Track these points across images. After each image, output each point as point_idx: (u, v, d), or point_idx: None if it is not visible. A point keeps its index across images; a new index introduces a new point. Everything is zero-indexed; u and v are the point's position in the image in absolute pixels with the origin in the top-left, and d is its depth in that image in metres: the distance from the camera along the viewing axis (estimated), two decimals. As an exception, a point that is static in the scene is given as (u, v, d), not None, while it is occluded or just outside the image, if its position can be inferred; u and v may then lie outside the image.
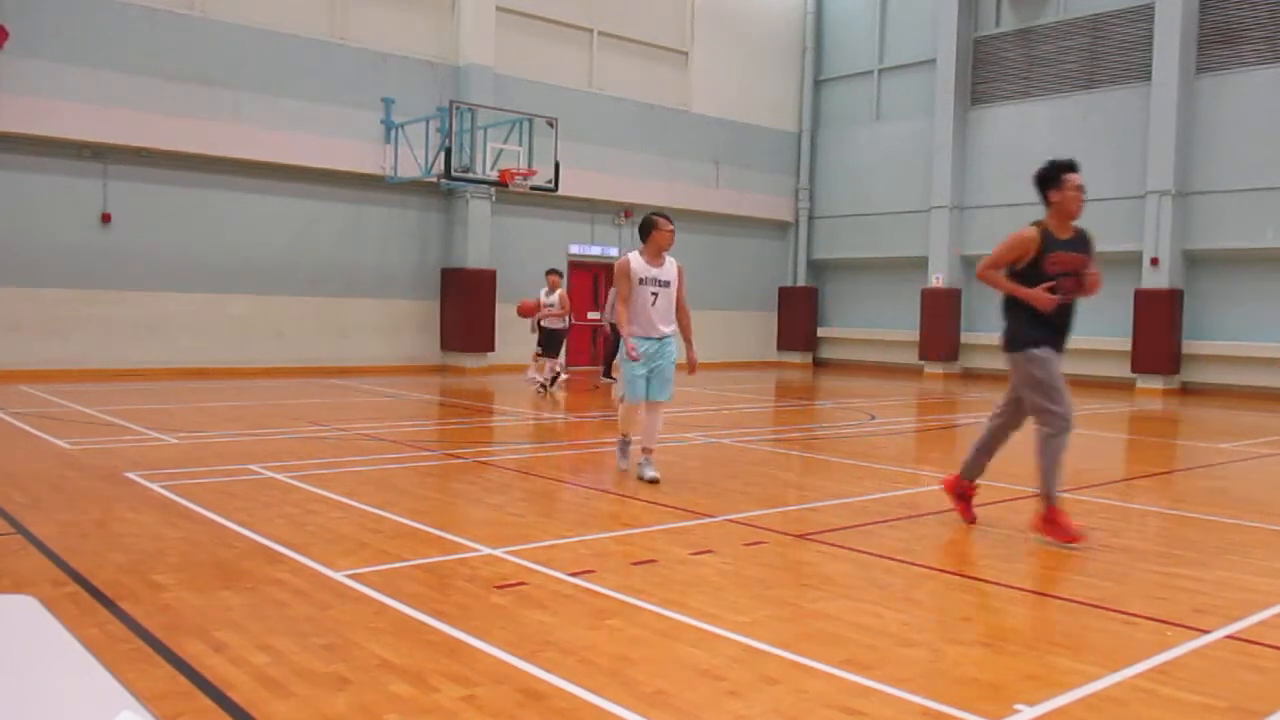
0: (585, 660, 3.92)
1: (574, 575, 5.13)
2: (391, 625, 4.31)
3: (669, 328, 8.09)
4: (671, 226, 7.97)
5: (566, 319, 16.43)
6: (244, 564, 5.26)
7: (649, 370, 7.95)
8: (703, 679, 3.75)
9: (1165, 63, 19.88)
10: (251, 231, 18.16)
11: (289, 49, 18.17)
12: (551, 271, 16.52)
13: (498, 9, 20.71)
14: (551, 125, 18.90)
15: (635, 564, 5.43)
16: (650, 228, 7.97)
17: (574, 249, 22.60)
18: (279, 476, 7.84)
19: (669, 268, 8.07)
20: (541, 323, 16.22)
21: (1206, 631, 4.45)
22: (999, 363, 22.77)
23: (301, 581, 4.94)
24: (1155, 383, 19.88)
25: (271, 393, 15.08)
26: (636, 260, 7.96)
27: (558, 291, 16.22)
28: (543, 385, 16.13)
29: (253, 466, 8.28)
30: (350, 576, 5.02)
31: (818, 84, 26.59)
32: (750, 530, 6.33)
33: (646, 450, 8.09)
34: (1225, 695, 3.69)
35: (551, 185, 19.06)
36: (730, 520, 6.61)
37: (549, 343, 16.24)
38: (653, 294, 7.96)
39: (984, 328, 23.11)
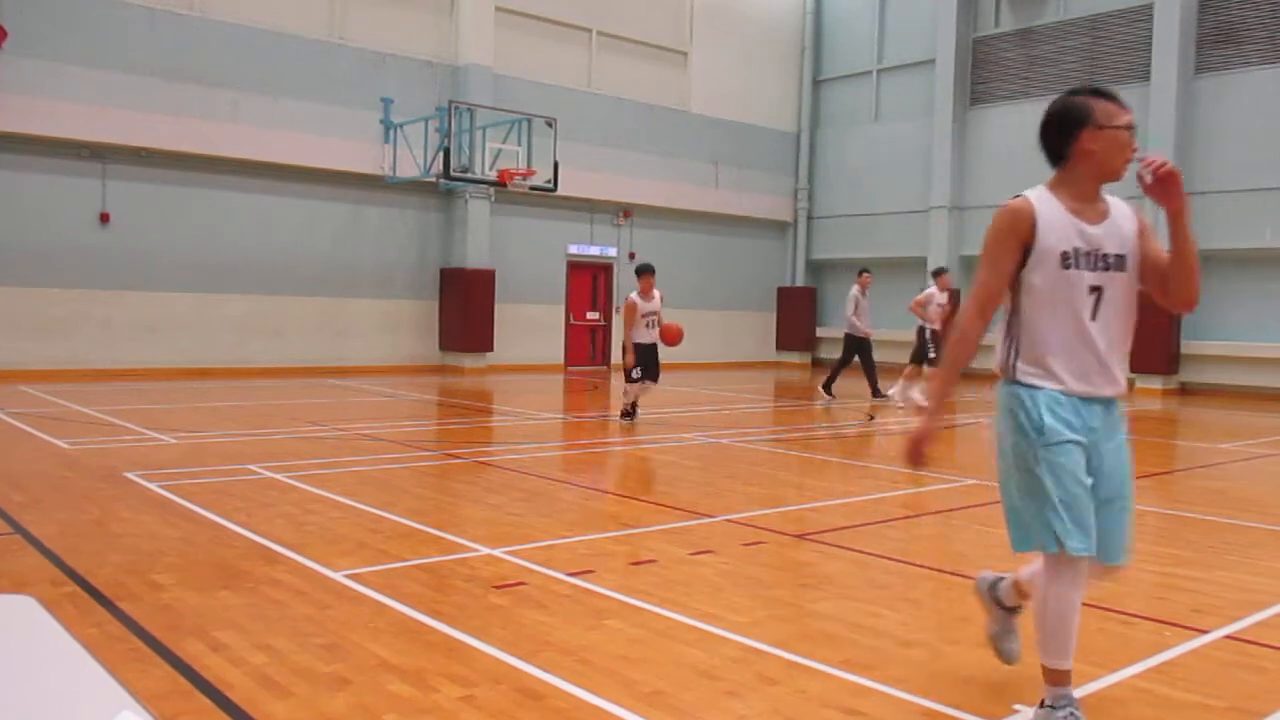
0: (584, 660, 3.92)
1: (573, 575, 5.13)
2: (391, 625, 4.30)
3: None
4: None
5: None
6: (243, 564, 5.25)
7: None
8: (702, 679, 3.75)
9: (1164, 63, 19.88)
10: (250, 231, 18.16)
11: (288, 49, 18.16)
12: (646, 271, 12.19)
13: (497, 9, 20.70)
14: (550, 125, 18.90)
15: (634, 564, 5.43)
16: None
17: (573, 249, 22.60)
18: (278, 476, 7.84)
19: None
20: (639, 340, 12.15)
21: (1205, 632, 4.45)
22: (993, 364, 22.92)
23: (301, 581, 4.93)
24: (1155, 383, 19.87)
25: (270, 393, 15.07)
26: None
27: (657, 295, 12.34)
28: (627, 412, 12.30)
29: (252, 466, 8.28)
30: (349, 576, 5.02)
31: (817, 84, 26.58)
32: (749, 530, 6.33)
33: None
34: (1224, 695, 3.69)
35: (550, 185, 19.06)
36: (730, 520, 6.61)
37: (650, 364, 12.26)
38: None
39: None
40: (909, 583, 5.30)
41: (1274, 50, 19.03)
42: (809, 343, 26.50)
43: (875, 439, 11.92)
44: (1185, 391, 19.83)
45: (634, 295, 11.86)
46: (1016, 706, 3.52)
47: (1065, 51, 21.91)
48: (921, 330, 15.04)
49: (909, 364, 15.26)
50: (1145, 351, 19.98)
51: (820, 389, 16.27)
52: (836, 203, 26.11)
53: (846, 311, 16.21)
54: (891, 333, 24.82)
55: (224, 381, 16.76)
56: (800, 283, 26.66)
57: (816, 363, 26.45)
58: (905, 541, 6.27)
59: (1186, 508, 7.75)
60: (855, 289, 16.19)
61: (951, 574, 5.52)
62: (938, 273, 15.82)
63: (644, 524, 6.46)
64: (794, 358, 26.50)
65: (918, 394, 14.44)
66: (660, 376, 12.35)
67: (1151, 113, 20.05)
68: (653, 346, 12.02)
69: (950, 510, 7.24)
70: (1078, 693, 3.67)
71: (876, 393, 16.13)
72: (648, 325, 11.96)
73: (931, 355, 14.43)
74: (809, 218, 26.62)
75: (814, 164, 26.66)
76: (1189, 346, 19.91)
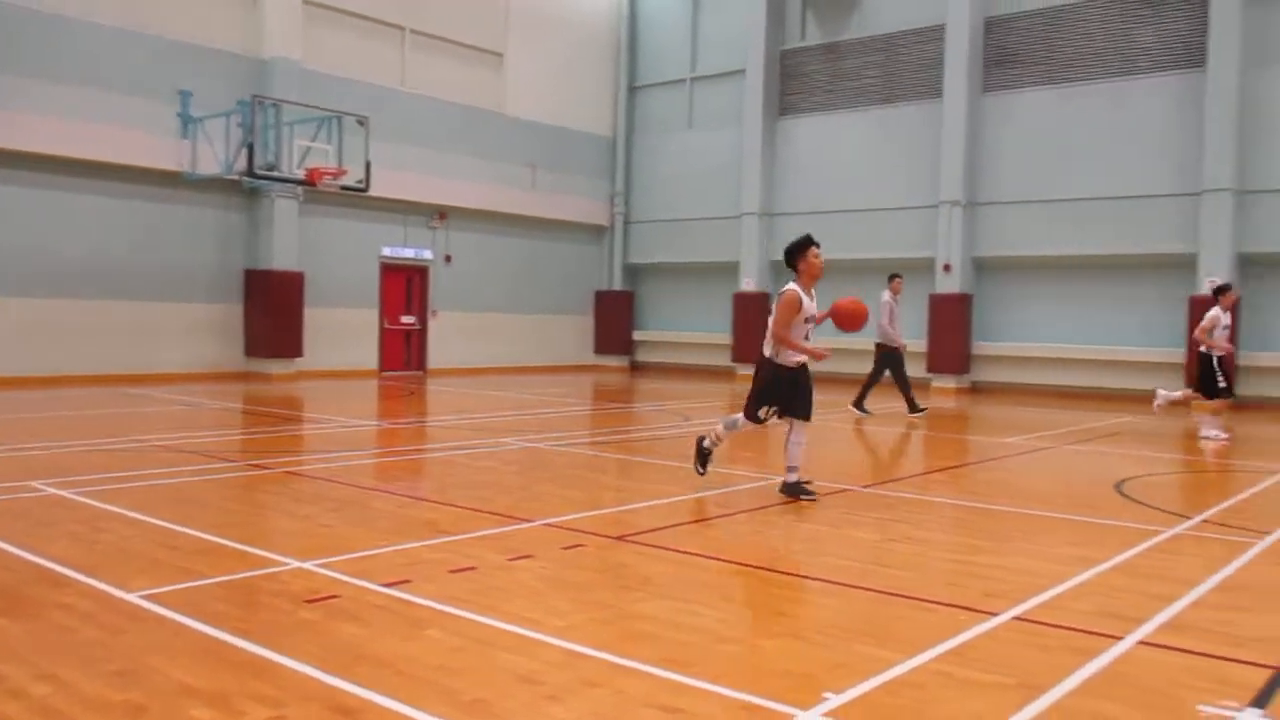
0: (402, 672, 3.82)
1: (389, 586, 5.00)
2: (192, 647, 4.08)
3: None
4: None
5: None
6: (25, 589, 4.86)
7: None
8: (522, 685, 3.72)
9: (955, 81, 21.16)
10: (33, 229, 16.83)
11: (76, 34, 16.96)
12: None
13: (305, 2, 20.00)
14: (362, 124, 18.38)
15: (453, 572, 5.34)
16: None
17: (386, 251, 22.06)
18: (64, 493, 7.30)
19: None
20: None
21: (996, 614, 4.75)
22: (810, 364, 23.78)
23: (90, 605, 4.61)
24: (949, 382, 21.12)
25: (59, 403, 14.03)
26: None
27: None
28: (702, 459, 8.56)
29: (34, 483, 7.68)
30: (145, 597, 4.72)
31: (632, 90, 26.94)
32: (569, 534, 6.34)
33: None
34: (1013, 673, 3.95)
35: (362, 185, 18.52)
36: (549, 524, 6.60)
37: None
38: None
39: (792, 330, 23.98)
40: (725, 580, 5.43)
41: (1049, 73, 20.56)
42: (627, 346, 26.82)
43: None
44: (976, 390, 21.15)
45: (795, 286, 7.60)
46: (825, 695, 3.65)
47: (866, 66, 23.00)
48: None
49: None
50: (940, 352, 21.22)
51: (851, 406, 14.82)
52: (653, 207, 26.52)
53: (881, 320, 14.64)
54: (698, 335, 25.46)
55: (8, 393, 15.48)
56: (618, 286, 26.94)
57: (635, 366, 26.79)
58: (721, 540, 6.42)
59: (977, 499, 8.25)
60: (887, 295, 14.82)
61: (765, 570, 5.69)
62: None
63: (462, 530, 6.37)
64: (612, 361, 26.76)
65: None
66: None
67: (944, 128, 21.30)
68: (803, 369, 7.90)
69: (763, 507, 7.47)
70: (881, 678, 3.85)
71: (913, 407, 14.88)
72: (805, 335, 7.84)
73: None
74: (626, 222, 26.94)
75: (630, 169, 27.01)
76: (979, 348, 21.25)
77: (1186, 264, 18.82)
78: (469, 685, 3.71)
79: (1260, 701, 3.70)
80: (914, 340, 21.81)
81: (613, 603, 4.92)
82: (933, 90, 21.81)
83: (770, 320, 7.58)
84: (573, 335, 26.53)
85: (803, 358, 7.62)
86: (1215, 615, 4.87)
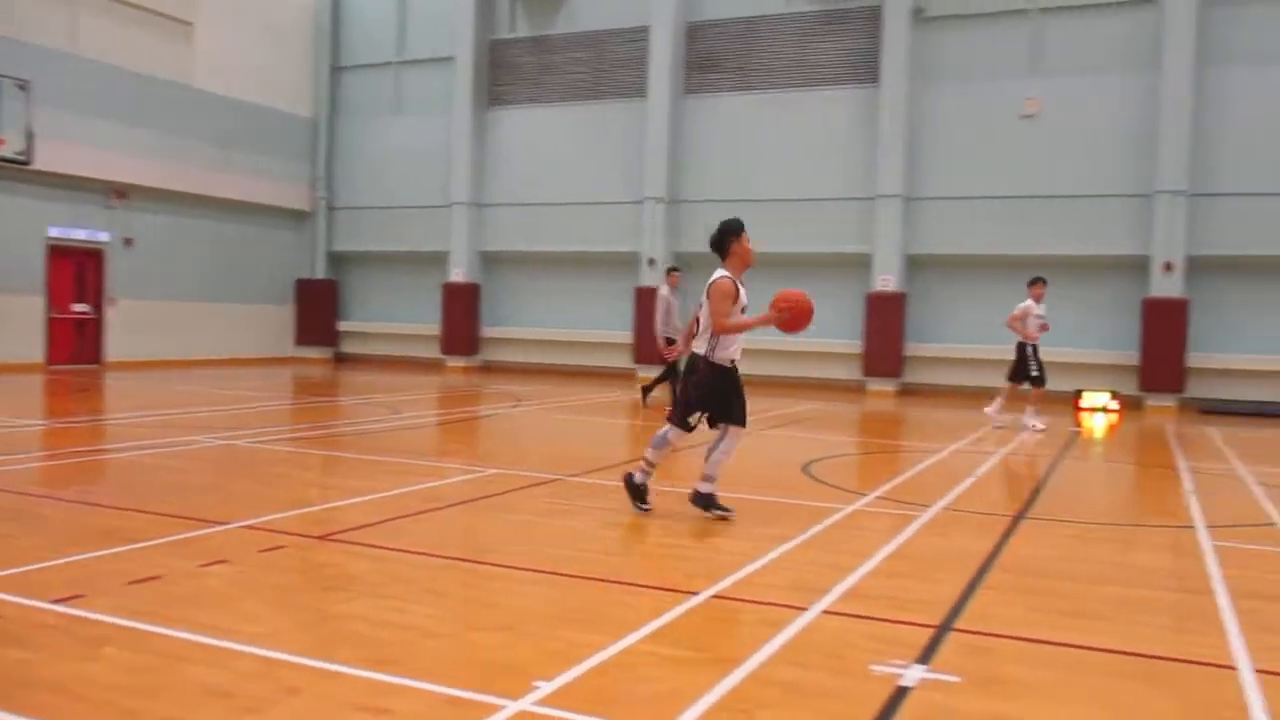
0: (78, 697, 3.48)
1: (59, 602, 4.53)
2: None
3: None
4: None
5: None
6: None
7: None
8: (215, 699, 3.49)
9: (658, 82, 21.96)
10: None
11: None
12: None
13: (-50, -53, 17.70)
14: (23, 88, 16.50)
15: (134, 583, 4.92)
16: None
17: (54, 232, 19.91)
18: None
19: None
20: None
21: (697, 594, 4.98)
22: (519, 355, 23.90)
23: None
24: (652, 371, 21.94)
25: None
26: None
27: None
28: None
29: None
30: None
31: (335, 70, 25.89)
32: (267, 535, 6.01)
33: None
34: (711, 648, 4.16)
35: (23, 157, 16.64)
36: (245, 526, 6.23)
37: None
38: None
39: (503, 322, 24.03)
40: (433, 575, 5.35)
41: (745, 79, 21.80)
42: (332, 337, 25.79)
43: (400, 434, 11.88)
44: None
45: (726, 273, 6.99)
46: (535, 683, 3.68)
47: (574, 62, 23.37)
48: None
49: None
50: (651, 345, 21.99)
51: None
52: (359, 194, 25.64)
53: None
54: (407, 326, 24.95)
55: None
56: (321, 275, 25.84)
57: (340, 358, 25.83)
58: (430, 534, 6.32)
59: (682, 484, 8.60)
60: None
61: (475, 562, 5.66)
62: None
63: (147, 537, 5.88)
64: (315, 353, 25.63)
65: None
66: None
67: (648, 126, 22.05)
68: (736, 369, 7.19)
69: (473, 500, 7.43)
70: (591, 662, 3.93)
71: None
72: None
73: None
74: (329, 208, 25.88)
75: (334, 152, 25.96)
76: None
77: (863, 263, 20.56)
78: (155, 705, 3.43)
79: (924, 658, 4.10)
80: (622, 333, 22.54)
81: (315, 605, 4.72)
82: (638, 89, 22.51)
83: (700, 315, 6.90)
84: (272, 326, 25.15)
85: (737, 354, 6.91)
86: (887, 583, 5.35)
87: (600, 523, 6.74)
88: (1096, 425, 15.39)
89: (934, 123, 20.23)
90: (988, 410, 13.91)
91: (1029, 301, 13.62)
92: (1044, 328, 13.73)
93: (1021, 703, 3.71)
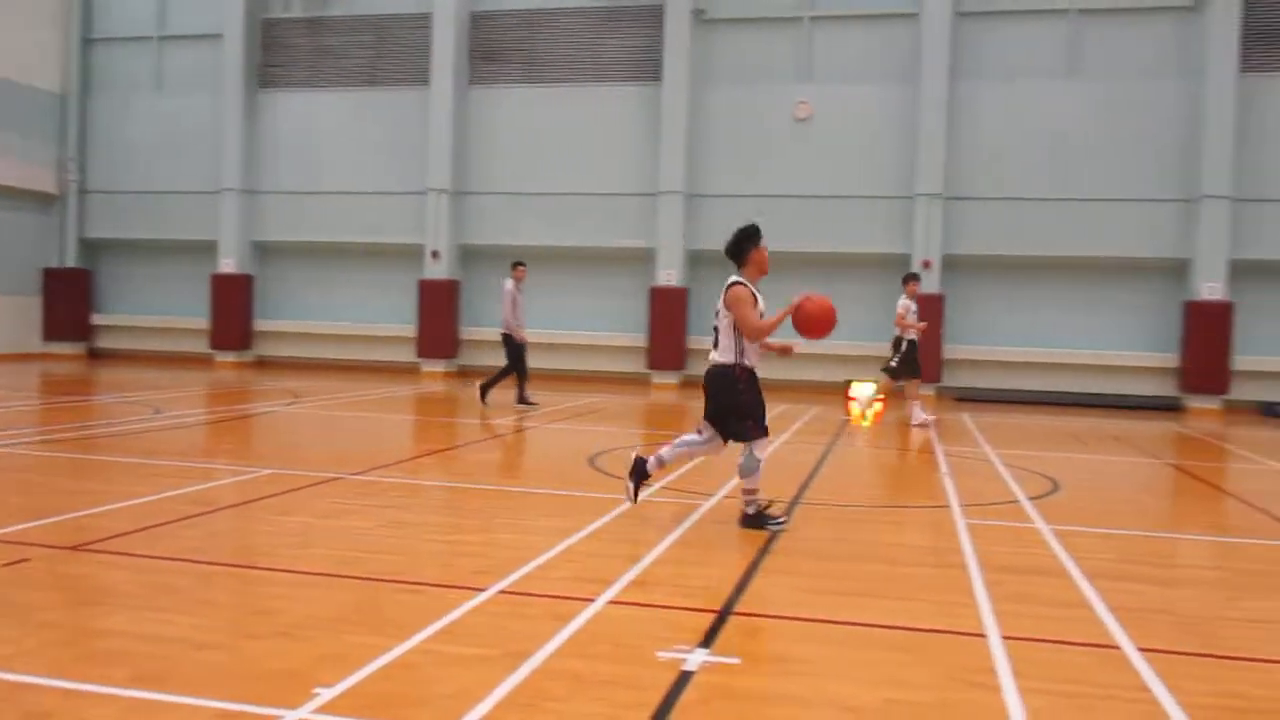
0: None
1: None
2: None
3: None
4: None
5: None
6: None
7: None
8: (-51, 731, 3.17)
9: (441, 71, 21.56)
10: None
11: None
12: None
13: None
14: None
15: None
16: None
17: None
18: None
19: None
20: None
21: (483, 590, 4.93)
22: (296, 349, 22.92)
23: None
24: (438, 366, 21.56)
25: None
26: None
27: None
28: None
29: None
30: None
31: (88, 42, 23.96)
32: (11, 548, 5.51)
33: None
34: (499, 644, 4.13)
35: None
36: (-15, 538, 5.68)
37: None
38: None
39: (278, 315, 22.99)
40: (203, 583, 5.06)
41: (530, 72, 21.75)
42: (85, 331, 23.90)
43: (183, 435, 11.16)
44: (466, 373, 21.81)
45: (742, 280, 6.91)
46: (315, 690, 3.55)
47: (353, 46, 22.62)
48: None
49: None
50: (433, 338, 21.59)
51: (516, 403, 14.48)
52: (116, 177, 23.82)
53: (504, 310, 14.24)
54: (171, 319, 23.46)
55: None
56: (72, 264, 23.87)
57: (95, 354, 23.98)
58: (198, 540, 5.97)
59: (466, 479, 8.52)
60: (510, 284, 14.34)
61: (248, 568, 5.39)
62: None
63: None
64: (66, 348, 23.68)
65: None
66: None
67: (430, 116, 21.63)
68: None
69: (246, 503, 7.08)
70: (374, 665, 3.82)
71: (522, 399, 14.54)
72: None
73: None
74: (81, 191, 23.94)
75: (86, 132, 24.03)
76: (469, 333, 21.94)
77: (647, 258, 20.96)
78: (-126, 741, 3.08)
79: (706, 642, 4.23)
80: (407, 327, 22.03)
81: (67, 621, 4.36)
82: (421, 77, 22.04)
83: (723, 324, 6.63)
84: (14, 319, 23.02)
85: (757, 361, 6.71)
86: (671, 570, 5.48)
87: (383, 522, 6.57)
88: (864, 413, 16.31)
89: (714, 122, 20.85)
90: (913, 411, 14.01)
91: (905, 299, 14.00)
92: (921, 321, 14.22)
93: (796, 679, 3.88)
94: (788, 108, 20.58)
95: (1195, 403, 18.73)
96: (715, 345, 6.68)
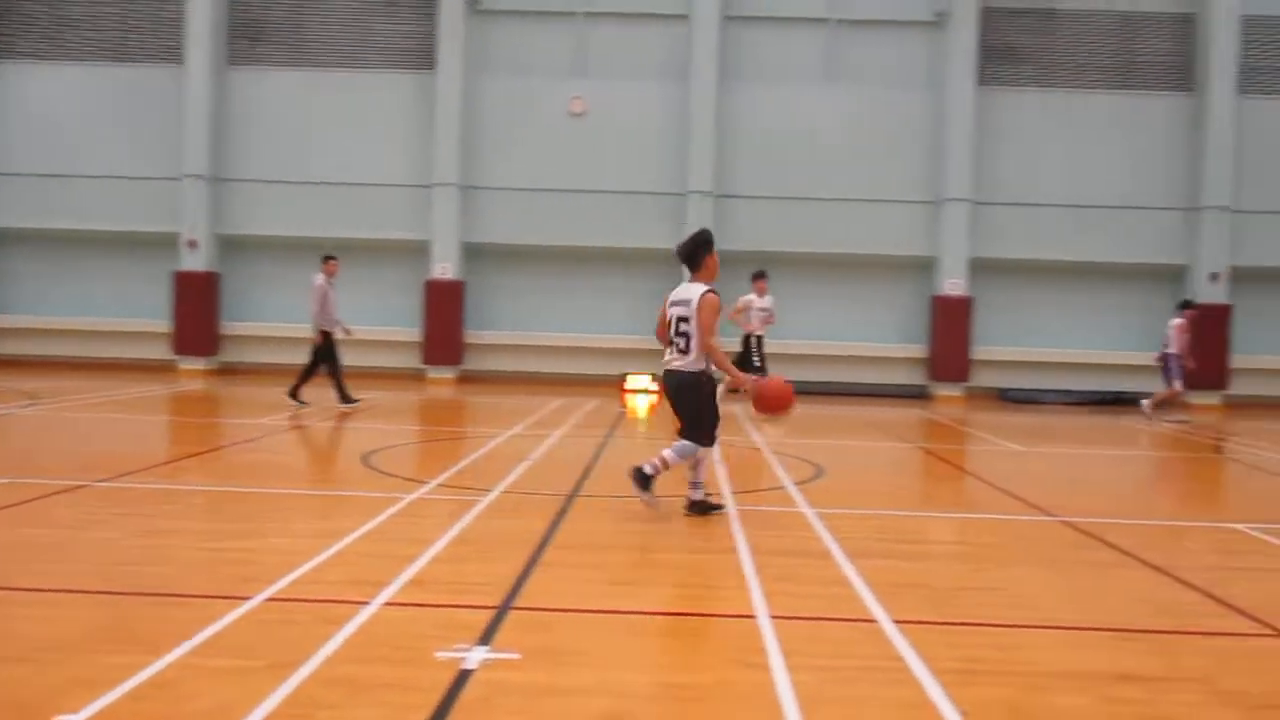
0: None
1: None
2: None
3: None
4: None
5: None
6: None
7: None
8: None
9: (197, 50, 20.16)
10: None
11: None
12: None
13: None
14: None
15: None
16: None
17: None
18: None
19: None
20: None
21: (249, 598, 4.69)
22: (35, 347, 21.10)
23: None
24: (198, 364, 20.33)
25: None
26: None
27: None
28: None
29: None
30: None
31: None
32: None
33: None
34: (266, 654, 3.94)
35: None
36: None
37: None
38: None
39: (14, 310, 21.04)
40: (-76, 606, 4.56)
41: (297, 55, 20.84)
42: None
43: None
44: (226, 371, 20.67)
45: (707, 288, 7.12)
46: (59, 719, 3.27)
47: (99, 17, 20.99)
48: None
49: None
50: (191, 335, 20.34)
51: (288, 396, 13.63)
52: None
53: (314, 306, 13.53)
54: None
55: None
56: None
57: None
58: (-82, 558, 5.38)
59: (231, 482, 8.08)
60: (320, 278, 13.58)
61: (-21, 587, 4.91)
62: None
63: None
64: None
65: None
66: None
67: (188, 97, 20.33)
68: None
69: (-24, 515, 6.44)
70: (127, 685, 3.57)
71: (345, 398, 13.69)
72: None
73: None
74: None
75: None
76: (230, 328, 20.81)
77: (422, 250, 20.54)
78: None
79: (486, 639, 4.20)
80: (159, 322, 20.65)
81: None
82: (175, 55, 20.68)
83: (688, 327, 6.75)
84: None
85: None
86: (449, 568, 5.41)
87: (137, 532, 6.13)
88: (640, 405, 16.66)
89: (490, 114, 20.68)
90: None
91: (751, 295, 14.01)
92: (768, 320, 14.28)
93: (575, 670, 3.92)
94: (563, 102, 20.69)
95: (941, 390, 20.25)
96: (683, 350, 6.83)
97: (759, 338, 14.30)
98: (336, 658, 3.94)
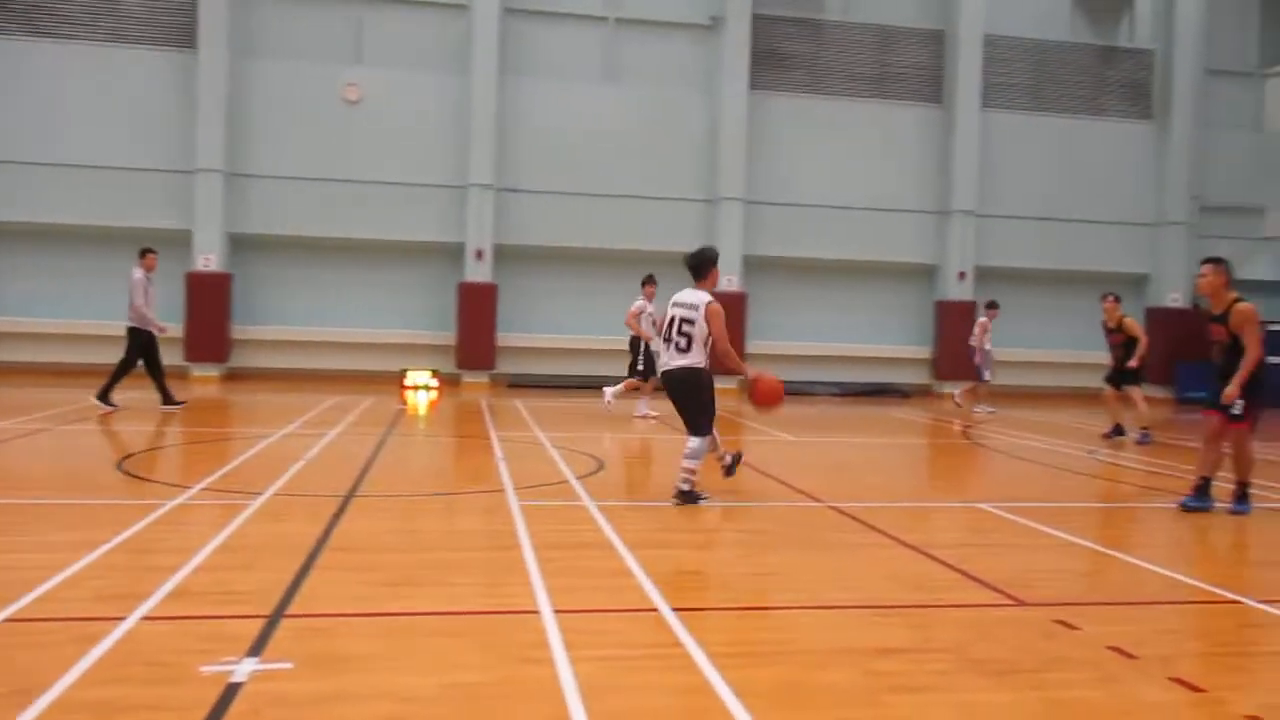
0: None
1: None
2: None
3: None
4: None
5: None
6: None
7: None
8: None
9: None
10: None
11: None
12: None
13: None
14: None
15: None
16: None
17: None
18: None
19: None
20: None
21: (-17, 620, 4.27)
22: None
23: None
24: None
25: None
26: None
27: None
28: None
29: None
30: None
31: None
32: None
33: None
34: (6, 681, 3.60)
35: None
36: None
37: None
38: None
39: None
40: None
41: (38, 26, 19.12)
42: None
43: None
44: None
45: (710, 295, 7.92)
46: None
47: None
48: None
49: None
50: (201, 339, 18.34)
51: (96, 399, 12.61)
52: None
53: (134, 300, 12.65)
54: None
55: None
56: None
57: None
58: None
59: (-40, 493, 7.33)
60: (139, 272, 12.72)
61: None
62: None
63: None
64: None
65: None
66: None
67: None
68: None
69: None
70: None
71: (168, 399, 13.00)
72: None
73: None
74: None
75: None
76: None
77: (184, 241, 19.33)
78: None
79: (256, 650, 3.99)
80: None
81: None
82: None
83: (691, 329, 7.52)
84: None
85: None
86: (215, 577, 5.10)
87: None
88: (419, 402, 16.34)
89: (259, 98, 19.71)
90: (640, 404, 14.15)
91: (641, 300, 13.86)
92: (657, 325, 13.81)
93: (352, 677, 3.79)
94: (338, 89, 19.98)
95: (720, 383, 20.89)
96: (684, 349, 7.56)
97: (646, 344, 14.11)
98: (86, 680, 3.64)
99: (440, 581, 5.21)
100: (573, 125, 20.63)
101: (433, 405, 15.92)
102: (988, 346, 17.21)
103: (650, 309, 13.89)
